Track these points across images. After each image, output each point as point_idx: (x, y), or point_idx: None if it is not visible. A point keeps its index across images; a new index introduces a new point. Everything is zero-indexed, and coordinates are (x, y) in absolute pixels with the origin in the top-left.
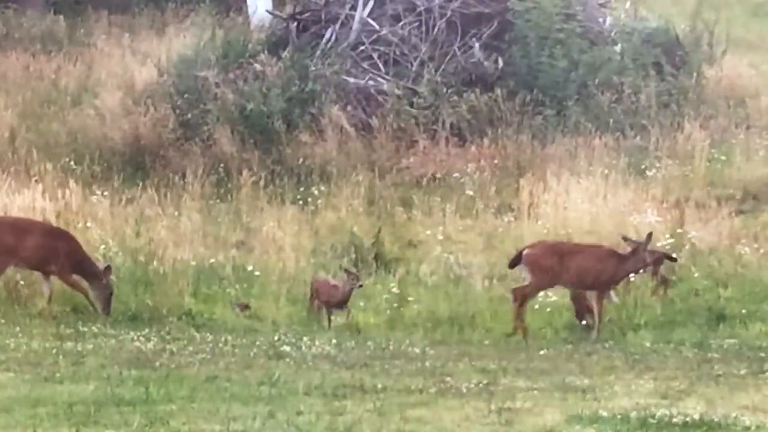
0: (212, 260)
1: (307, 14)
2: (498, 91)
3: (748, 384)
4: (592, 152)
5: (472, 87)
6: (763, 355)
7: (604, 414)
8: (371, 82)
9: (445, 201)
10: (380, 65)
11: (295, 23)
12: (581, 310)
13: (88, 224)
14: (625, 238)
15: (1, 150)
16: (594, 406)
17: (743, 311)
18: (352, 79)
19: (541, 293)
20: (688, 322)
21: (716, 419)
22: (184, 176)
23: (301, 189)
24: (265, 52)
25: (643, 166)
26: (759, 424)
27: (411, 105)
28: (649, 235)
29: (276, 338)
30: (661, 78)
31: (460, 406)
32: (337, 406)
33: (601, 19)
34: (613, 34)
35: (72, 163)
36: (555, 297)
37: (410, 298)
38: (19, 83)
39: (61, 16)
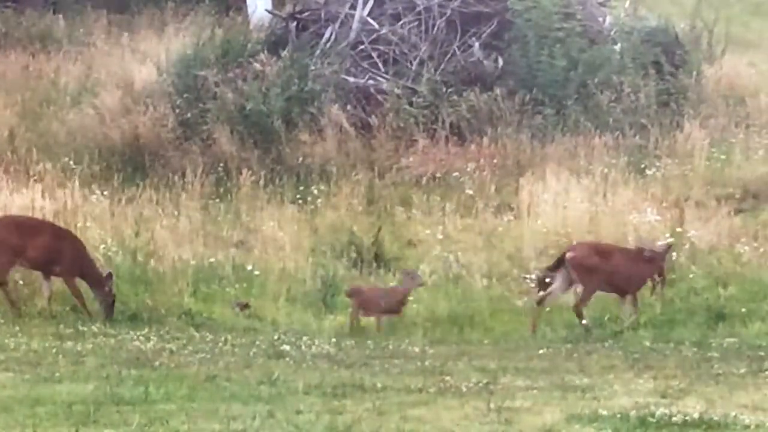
0: (212, 260)
1: (306, 13)
2: (497, 90)
3: (748, 383)
4: (591, 151)
5: (472, 86)
6: (762, 354)
7: (604, 413)
8: (371, 82)
9: (444, 200)
10: (380, 64)
11: (295, 22)
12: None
13: (88, 224)
14: (640, 244)
15: (1, 149)
16: (593, 405)
17: (743, 310)
18: (351, 79)
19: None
20: (687, 321)
21: (716, 418)
22: (183, 176)
23: (301, 188)
24: (265, 51)
25: (642, 165)
26: (758, 423)
27: (410, 104)
28: (669, 244)
29: (275, 337)
30: (660, 77)
31: (459, 405)
32: (336, 406)
33: (600, 18)
34: (612, 33)
35: (71, 162)
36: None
37: (410, 298)
38: (18, 83)
39: (61, 16)
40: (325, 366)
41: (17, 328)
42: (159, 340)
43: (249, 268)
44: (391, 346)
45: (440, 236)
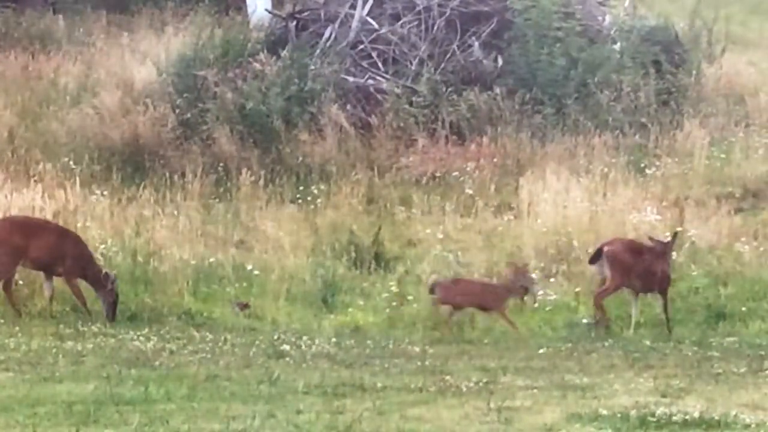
0: (212, 259)
1: (306, 13)
2: (497, 89)
3: (748, 382)
4: (591, 151)
5: (472, 85)
6: (762, 353)
7: (604, 412)
8: (370, 81)
9: (444, 200)
10: (379, 64)
11: (295, 22)
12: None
13: (88, 224)
14: (651, 239)
15: (1, 149)
16: (594, 405)
17: (743, 309)
18: (351, 78)
19: (541, 292)
20: (687, 320)
21: (716, 417)
22: (183, 175)
23: (301, 188)
24: (265, 51)
25: (642, 165)
26: (759, 422)
27: (410, 104)
28: (676, 233)
29: (275, 337)
30: (660, 76)
31: (459, 404)
32: (336, 405)
33: (600, 17)
34: (612, 32)
35: (71, 162)
36: (555, 296)
37: (410, 297)
38: (18, 83)
39: (60, 16)
40: (325, 366)
41: (17, 328)
42: (159, 340)
43: (249, 267)
44: (391, 346)
45: (440, 236)
